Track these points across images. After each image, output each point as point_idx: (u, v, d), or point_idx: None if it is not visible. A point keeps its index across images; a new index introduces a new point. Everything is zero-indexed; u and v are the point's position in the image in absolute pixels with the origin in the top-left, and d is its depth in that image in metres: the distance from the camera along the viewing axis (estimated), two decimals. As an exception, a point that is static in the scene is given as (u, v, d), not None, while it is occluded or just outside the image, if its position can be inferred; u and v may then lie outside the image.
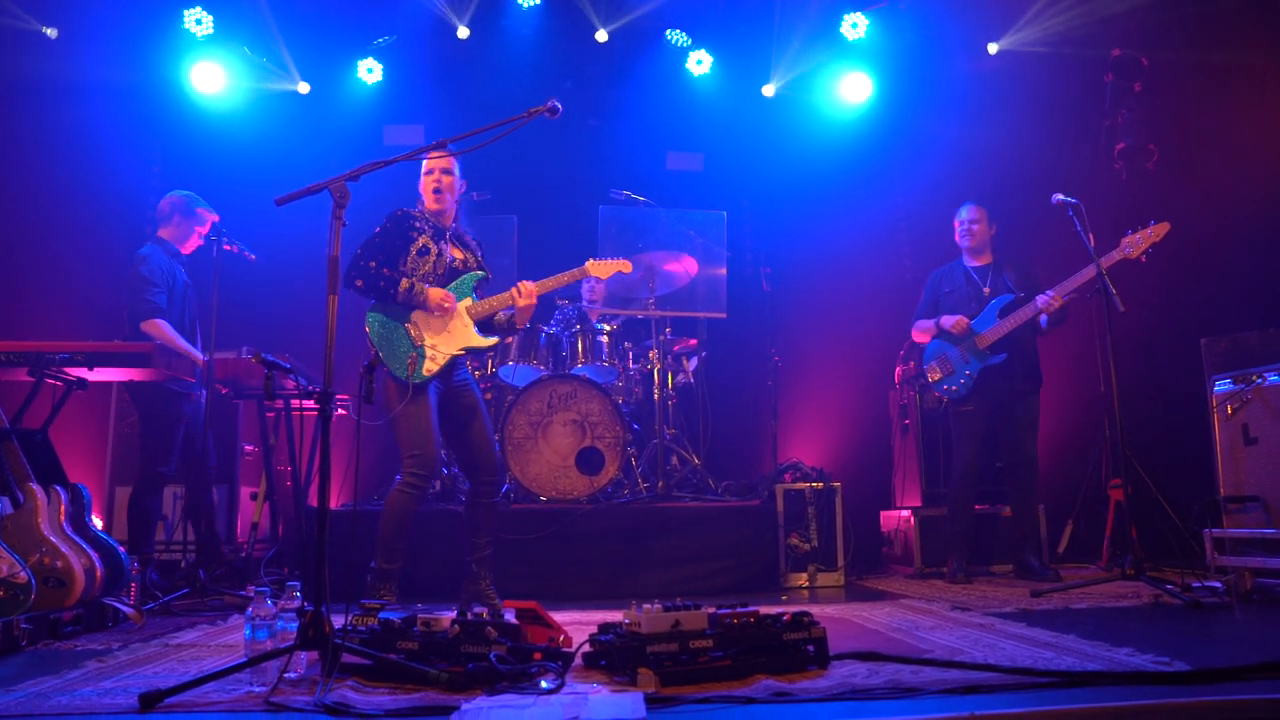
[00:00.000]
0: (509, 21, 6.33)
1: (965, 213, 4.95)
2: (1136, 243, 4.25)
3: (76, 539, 3.42)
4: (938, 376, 4.84)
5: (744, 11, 6.46)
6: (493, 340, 3.84)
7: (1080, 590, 4.04)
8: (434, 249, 3.75)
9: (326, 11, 6.23)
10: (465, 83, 6.43)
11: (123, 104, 5.99)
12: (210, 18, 6.07)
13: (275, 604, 2.43)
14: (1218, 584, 3.77)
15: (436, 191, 3.78)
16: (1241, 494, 3.62)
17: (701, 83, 6.67)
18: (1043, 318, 4.60)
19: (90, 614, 3.32)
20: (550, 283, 3.93)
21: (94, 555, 3.43)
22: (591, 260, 4.11)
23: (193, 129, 6.21)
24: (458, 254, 3.86)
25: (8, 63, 5.77)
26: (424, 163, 3.79)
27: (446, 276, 3.78)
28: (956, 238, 4.98)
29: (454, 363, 3.75)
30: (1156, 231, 4.24)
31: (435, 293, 3.69)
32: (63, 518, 3.44)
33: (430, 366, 3.65)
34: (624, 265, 4.16)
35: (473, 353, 3.86)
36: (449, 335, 3.73)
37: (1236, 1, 5.68)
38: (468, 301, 3.79)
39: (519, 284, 3.77)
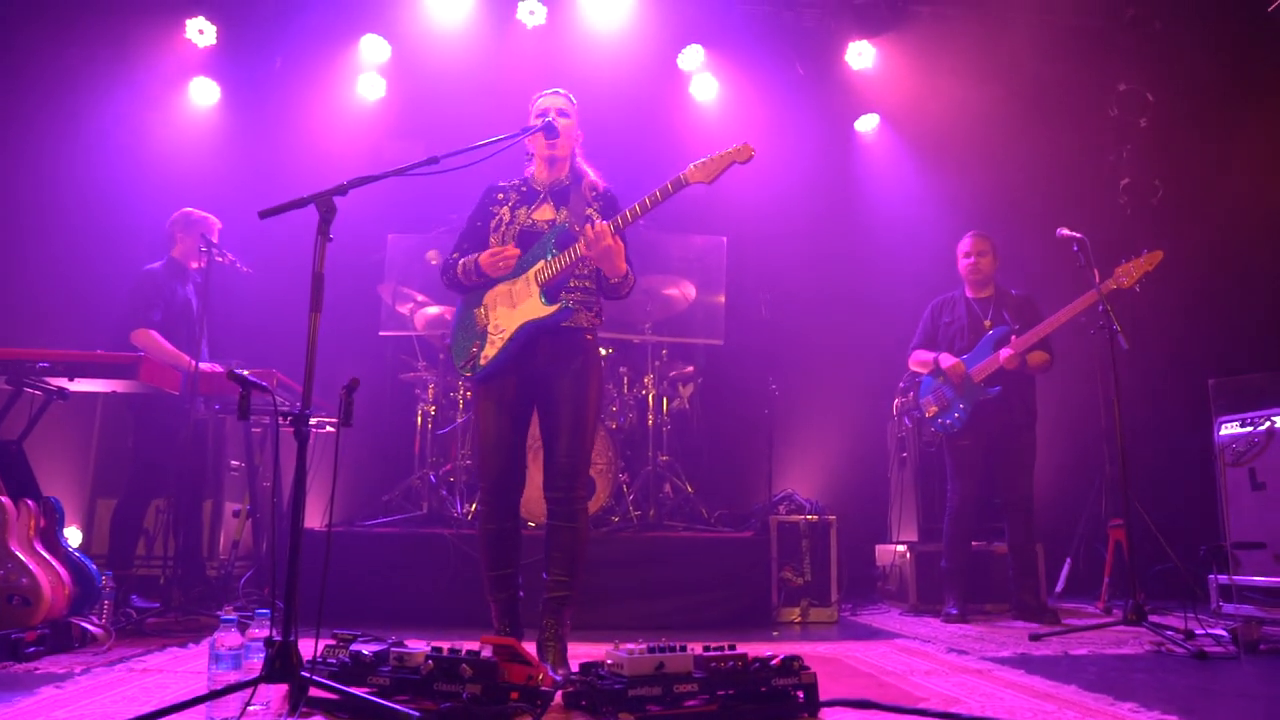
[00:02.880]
0: (511, 38, 6.29)
1: (969, 242, 4.85)
2: (1130, 271, 4.20)
3: (46, 555, 3.32)
4: (934, 412, 4.76)
5: (752, 37, 6.42)
6: (553, 308, 2.96)
7: (1079, 634, 3.93)
8: (508, 217, 3.12)
9: (329, 26, 6.19)
10: (466, 99, 6.38)
11: (116, 110, 5.94)
12: (213, 28, 6.04)
13: (243, 632, 2.33)
14: (1222, 632, 3.67)
15: (549, 159, 3.16)
16: (1248, 540, 3.52)
17: (706, 106, 6.62)
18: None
19: (56, 634, 3.20)
20: (636, 209, 2.92)
21: (63, 572, 3.33)
22: (693, 164, 2.93)
23: (189, 139, 6.17)
24: (546, 214, 3.12)
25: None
26: (534, 109, 3.21)
27: (520, 242, 3.07)
28: (960, 268, 4.90)
29: (522, 343, 2.98)
30: (1150, 260, 4.19)
31: (484, 255, 3.03)
32: (33, 533, 3.34)
33: (489, 352, 3.01)
34: (740, 153, 2.91)
35: (537, 327, 2.98)
36: (514, 311, 3.01)
37: (1246, 40, 5.66)
38: (539, 265, 3.02)
39: (587, 225, 2.91)
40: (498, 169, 3.11)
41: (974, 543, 4.89)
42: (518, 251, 3.01)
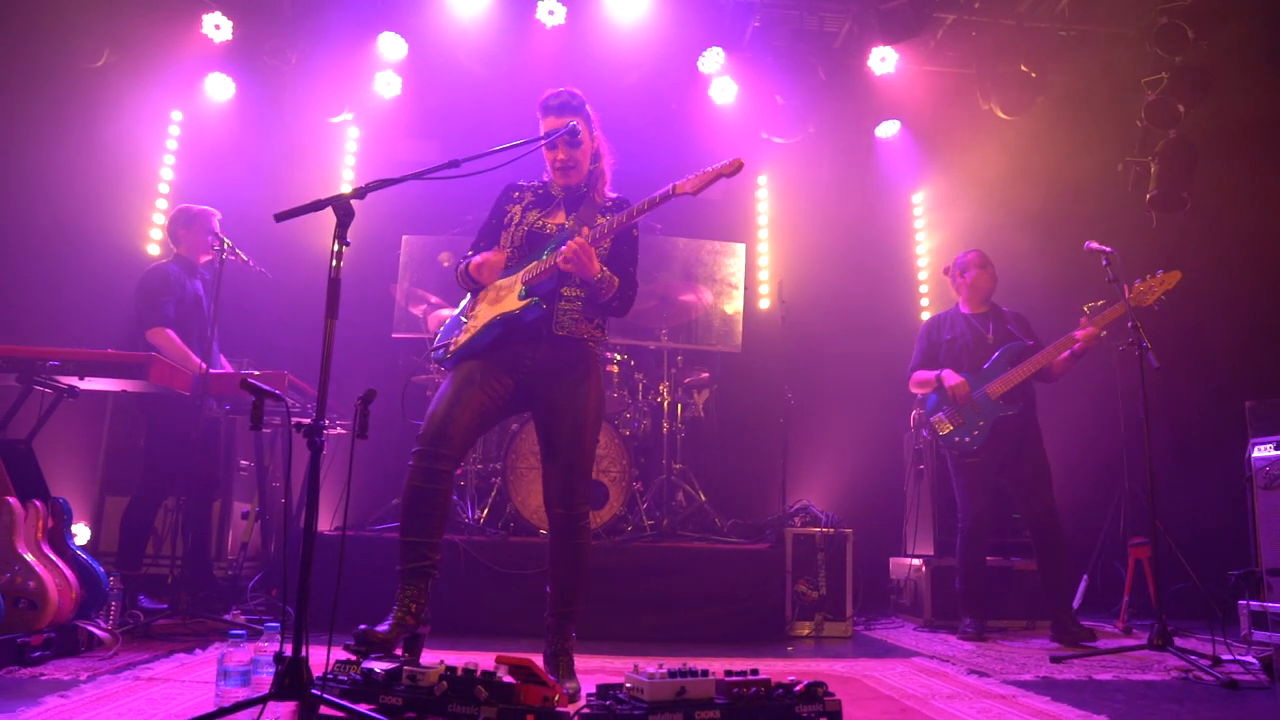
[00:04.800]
0: (530, 40, 6.22)
1: (976, 256, 4.80)
2: (1152, 288, 4.14)
3: (53, 557, 3.27)
4: (948, 429, 4.60)
5: (773, 41, 6.33)
6: (520, 304, 2.90)
7: (1102, 657, 3.84)
8: (518, 217, 3.09)
9: (346, 23, 6.14)
10: (484, 101, 6.33)
11: (130, 106, 5.90)
12: (230, 24, 5.99)
13: (253, 640, 2.28)
14: (1250, 659, 3.58)
15: (563, 169, 3.09)
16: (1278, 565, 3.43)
17: (726, 109, 6.55)
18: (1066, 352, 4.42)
19: (62, 637, 3.15)
20: (612, 223, 2.93)
21: (70, 575, 3.28)
22: (686, 178, 2.91)
23: (204, 138, 6.13)
24: (557, 219, 3.08)
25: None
26: (542, 123, 3.10)
27: (526, 243, 3.04)
28: (965, 279, 4.78)
29: (494, 336, 2.93)
30: (1167, 279, 4.13)
31: (474, 261, 3.03)
32: (40, 534, 3.29)
33: (460, 339, 2.99)
34: (727, 168, 2.87)
35: (506, 320, 2.92)
36: (495, 306, 2.98)
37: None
38: (531, 264, 2.99)
39: (571, 240, 2.86)
40: (517, 172, 3.07)
41: (990, 558, 4.81)
42: (503, 258, 3.02)
